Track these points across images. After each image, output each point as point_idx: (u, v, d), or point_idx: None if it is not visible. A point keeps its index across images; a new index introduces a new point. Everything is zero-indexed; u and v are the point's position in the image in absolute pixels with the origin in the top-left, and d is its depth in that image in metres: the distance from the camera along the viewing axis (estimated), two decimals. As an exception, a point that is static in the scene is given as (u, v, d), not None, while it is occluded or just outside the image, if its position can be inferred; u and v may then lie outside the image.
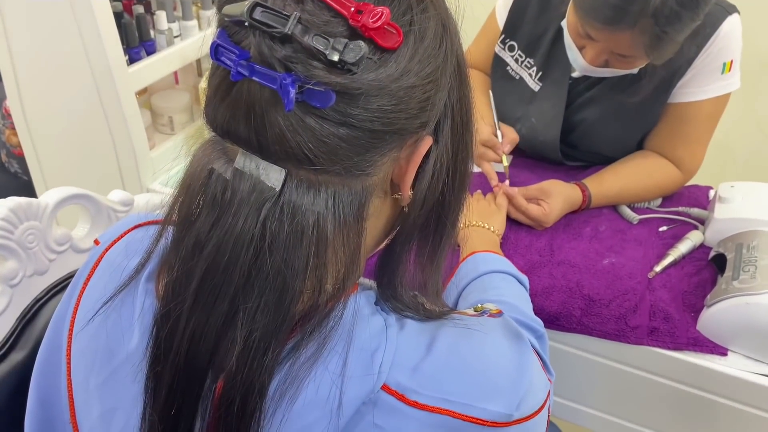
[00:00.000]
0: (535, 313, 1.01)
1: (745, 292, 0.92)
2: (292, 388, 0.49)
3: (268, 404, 0.49)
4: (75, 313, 0.60)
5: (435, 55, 0.48)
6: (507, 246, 1.12)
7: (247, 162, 0.47)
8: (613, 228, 1.17)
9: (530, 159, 1.36)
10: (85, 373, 0.58)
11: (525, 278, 0.98)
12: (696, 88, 1.14)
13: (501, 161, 1.19)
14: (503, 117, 1.31)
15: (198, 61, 1.47)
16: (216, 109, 0.48)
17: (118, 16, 1.17)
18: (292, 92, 0.42)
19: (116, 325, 0.56)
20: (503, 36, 1.29)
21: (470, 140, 0.56)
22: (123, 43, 1.19)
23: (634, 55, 1.02)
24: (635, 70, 1.13)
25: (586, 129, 1.24)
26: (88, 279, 0.61)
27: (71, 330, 0.60)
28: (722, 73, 1.13)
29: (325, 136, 0.45)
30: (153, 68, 1.26)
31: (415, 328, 0.54)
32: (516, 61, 1.29)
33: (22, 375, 0.72)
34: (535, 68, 1.25)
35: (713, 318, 0.95)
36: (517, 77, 1.29)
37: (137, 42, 1.23)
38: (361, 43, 0.43)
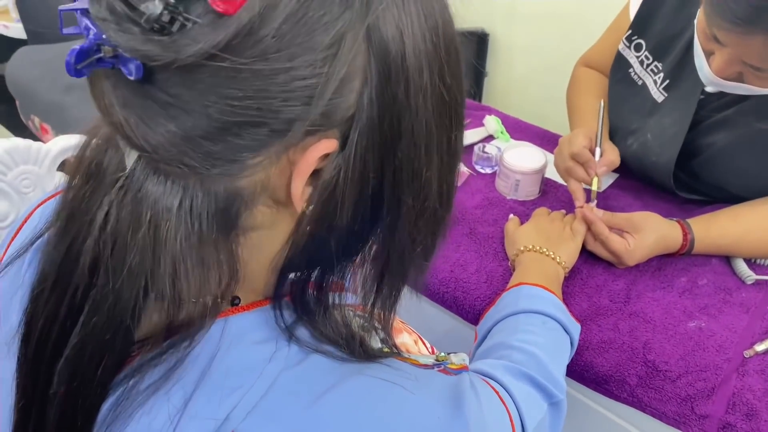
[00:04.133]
0: (582, 371, 0.85)
1: None
2: (123, 415, 0.41)
3: (98, 426, 0.41)
4: None
5: (314, 33, 0.36)
6: (574, 282, 0.94)
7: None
8: (717, 284, 0.94)
9: (639, 182, 1.14)
10: None
11: (576, 328, 0.82)
12: None
13: (590, 183, 1.00)
14: (614, 127, 1.11)
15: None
16: None
17: None
18: (75, 51, 0.35)
19: (5, 295, 0.52)
20: (630, 32, 1.08)
21: (414, 162, 0.42)
22: None
23: (766, 67, 0.79)
24: None
25: (712, 156, 1.00)
26: (15, 234, 0.57)
27: None
28: None
29: (148, 117, 0.36)
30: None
31: (317, 369, 0.44)
32: (641, 63, 1.07)
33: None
34: (662, 74, 1.04)
35: (810, 432, 0.72)
36: (640, 83, 1.08)
37: None
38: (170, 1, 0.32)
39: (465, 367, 0.60)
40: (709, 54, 0.88)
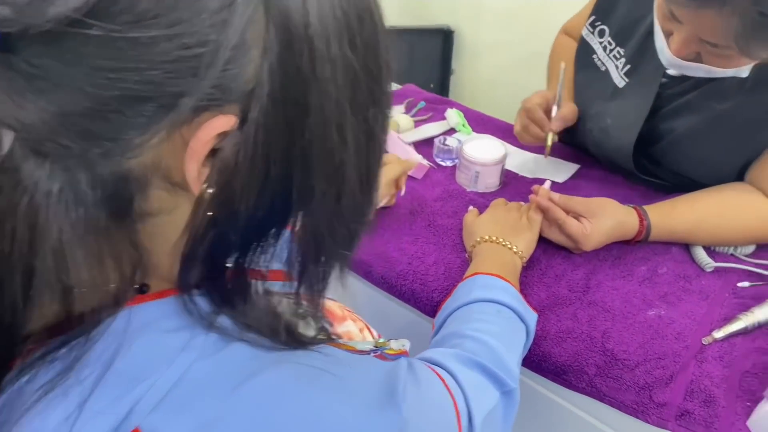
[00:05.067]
0: (540, 361, 0.83)
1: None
2: (16, 415, 0.37)
3: None
4: None
5: None
6: (533, 272, 0.93)
7: None
8: (677, 272, 0.93)
9: (602, 170, 1.13)
10: None
11: (532, 317, 0.80)
12: None
13: (545, 140, 1.01)
14: (579, 112, 1.10)
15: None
16: None
17: None
18: None
19: None
20: (593, 18, 1.08)
21: (321, 142, 0.39)
22: None
23: (723, 43, 0.78)
24: (743, 73, 0.87)
25: (673, 141, 1.00)
26: None
27: None
28: None
29: (15, 91, 0.32)
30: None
31: (237, 357, 0.41)
32: (604, 48, 1.07)
33: None
34: (623, 60, 1.03)
35: None
36: (603, 68, 1.07)
37: None
38: None
39: (404, 352, 0.58)
40: (668, 35, 0.88)
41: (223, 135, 0.37)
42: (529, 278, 0.92)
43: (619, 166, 1.08)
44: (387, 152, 0.49)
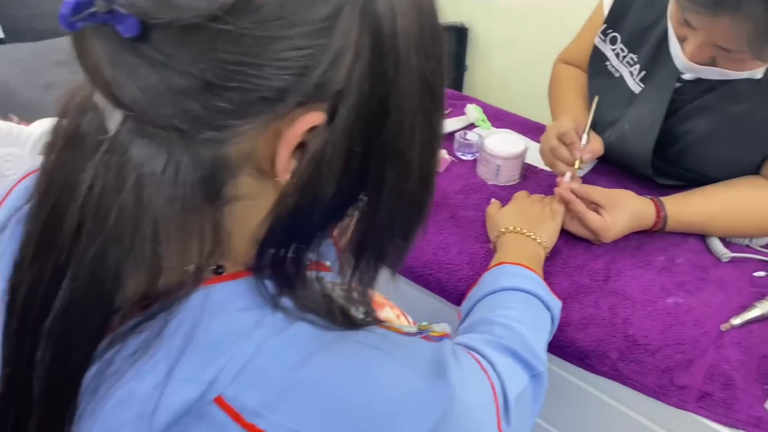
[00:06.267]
0: (564, 346, 0.86)
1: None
2: (109, 380, 0.41)
3: (82, 394, 0.41)
4: None
5: (314, 3, 0.37)
6: (555, 262, 0.96)
7: (100, 96, 0.39)
8: (694, 262, 0.96)
9: (617, 168, 1.16)
10: None
11: (557, 304, 0.83)
12: None
13: (573, 165, 1.02)
14: (594, 119, 1.13)
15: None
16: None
17: None
18: (70, 4, 0.33)
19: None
20: (605, 26, 1.10)
21: (400, 139, 0.43)
22: None
23: (737, 48, 0.81)
24: (757, 75, 0.91)
25: (690, 143, 1.03)
26: None
27: None
28: None
29: (140, 77, 0.36)
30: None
31: (301, 336, 0.44)
32: (617, 55, 1.09)
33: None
34: (638, 66, 1.06)
35: (784, 398, 0.74)
36: (617, 75, 1.10)
37: None
38: None
39: (446, 334, 0.61)
40: (682, 40, 0.90)
41: (312, 129, 0.40)
42: (551, 268, 0.95)
43: (634, 169, 1.11)
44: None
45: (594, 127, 1.13)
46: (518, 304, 0.79)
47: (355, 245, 0.49)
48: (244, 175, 0.42)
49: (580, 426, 0.95)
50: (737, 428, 0.77)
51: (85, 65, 0.38)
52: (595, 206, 0.97)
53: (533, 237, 0.92)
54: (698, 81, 0.99)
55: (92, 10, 0.34)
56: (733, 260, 0.97)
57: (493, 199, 1.05)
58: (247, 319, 0.44)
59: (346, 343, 0.46)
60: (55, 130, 0.43)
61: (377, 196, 0.46)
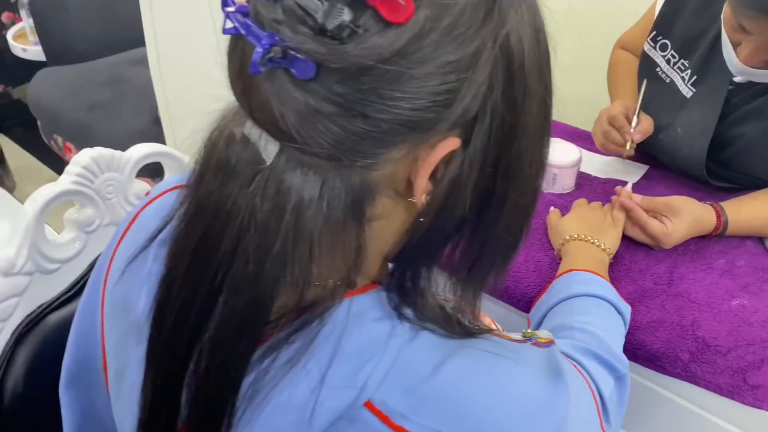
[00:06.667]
0: (635, 349, 0.89)
1: None
2: (266, 387, 0.45)
3: (240, 401, 0.45)
4: (109, 266, 0.60)
5: (463, 40, 0.40)
6: (618, 267, 0.99)
7: (252, 129, 0.43)
8: (755, 265, 0.99)
9: (669, 172, 1.19)
10: (110, 328, 0.59)
11: (627, 308, 0.86)
12: None
13: (624, 147, 1.08)
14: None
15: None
16: (229, 68, 0.45)
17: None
18: (260, 53, 0.37)
19: (131, 287, 0.56)
20: (654, 33, 1.14)
21: (523, 158, 0.47)
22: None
23: None
24: None
25: (743, 146, 1.05)
26: (123, 234, 0.61)
27: (105, 282, 0.60)
28: None
29: (309, 113, 0.39)
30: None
31: (428, 344, 0.48)
32: (668, 62, 1.13)
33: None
34: (689, 71, 1.09)
35: None
36: (668, 80, 1.13)
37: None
38: (346, 8, 0.36)
39: (552, 341, 0.64)
40: (736, 45, 0.94)
41: (450, 154, 0.44)
42: (615, 273, 0.98)
43: (688, 172, 1.13)
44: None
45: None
46: (593, 309, 0.82)
47: (467, 259, 0.53)
48: (383, 197, 0.46)
49: (653, 428, 0.97)
50: (813, 425, 0.79)
51: (249, 102, 0.42)
52: (654, 213, 1.00)
53: (597, 244, 0.95)
54: (749, 84, 1.02)
55: (270, 55, 0.38)
56: (792, 261, 0.99)
57: (552, 207, 1.09)
58: (382, 329, 0.47)
59: (468, 350, 0.49)
60: (205, 161, 0.47)
61: (497, 213, 0.49)
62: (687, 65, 1.09)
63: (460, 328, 0.51)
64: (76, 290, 0.76)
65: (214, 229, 0.45)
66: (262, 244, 0.43)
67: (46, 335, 0.74)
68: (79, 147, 2.19)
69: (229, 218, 0.44)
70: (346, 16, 0.37)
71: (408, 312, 0.49)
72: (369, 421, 0.44)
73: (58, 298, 0.75)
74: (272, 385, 0.45)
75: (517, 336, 0.62)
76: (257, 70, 0.38)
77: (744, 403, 0.82)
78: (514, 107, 0.44)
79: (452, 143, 0.44)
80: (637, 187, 1.16)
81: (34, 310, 0.73)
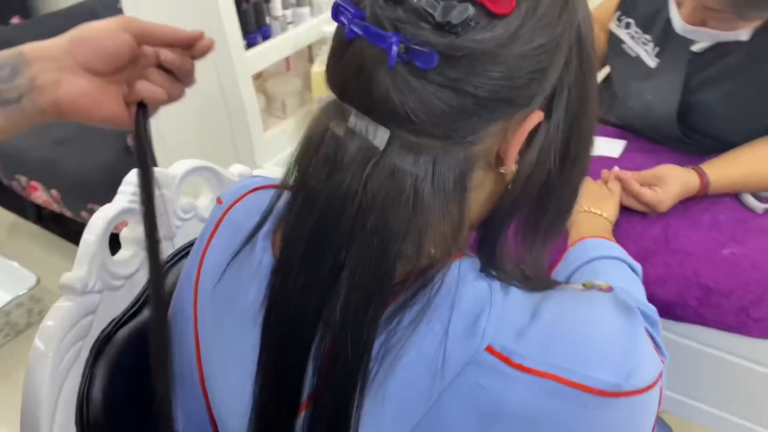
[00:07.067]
0: (648, 302, 0.98)
1: None
2: (396, 347, 0.50)
3: (372, 362, 0.50)
4: (200, 268, 0.64)
5: (551, 26, 0.48)
6: (619, 233, 1.08)
7: (357, 122, 0.49)
8: (735, 217, 1.10)
9: (645, 143, 1.31)
10: (209, 325, 0.63)
11: (638, 266, 0.95)
12: None
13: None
14: (617, 95, 1.27)
15: (309, 47, 1.52)
16: (334, 69, 0.51)
17: (237, 3, 1.23)
18: (394, 50, 0.44)
19: (236, 281, 0.60)
20: (619, 13, 1.26)
21: (587, 123, 0.54)
22: (242, 29, 1.25)
23: (721, 9, 0.97)
24: (742, 36, 1.07)
25: (705, 110, 1.18)
26: (211, 236, 0.65)
27: (197, 283, 0.64)
28: None
29: (427, 98, 0.46)
30: (269, 53, 1.32)
31: (519, 296, 0.54)
32: (632, 38, 1.25)
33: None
34: (652, 44, 1.21)
35: None
36: (634, 54, 1.25)
37: (254, 28, 1.28)
38: (468, 5, 0.43)
39: (611, 288, 0.72)
40: (679, 5, 1.07)
41: (537, 126, 0.51)
42: (617, 239, 1.06)
43: (664, 134, 1.25)
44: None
45: (618, 102, 1.28)
46: (612, 269, 0.91)
47: (537, 223, 0.60)
48: (478, 170, 0.52)
49: (672, 373, 1.07)
50: (812, 346, 0.90)
51: (365, 97, 0.48)
52: (644, 184, 1.10)
53: (600, 213, 1.05)
54: (708, 53, 1.14)
55: (396, 50, 0.45)
56: (766, 211, 1.11)
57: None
58: (482, 287, 0.54)
59: (553, 298, 0.56)
60: (307, 157, 0.53)
61: (569, 176, 0.56)
62: (650, 39, 1.22)
63: (538, 283, 0.58)
64: (140, 304, 0.80)
65: (331, 214, 0.50)
66: (383, 222, 0.49)
67: (119, 349, 0.77)
68: (47, 185, 2.16)
69: (345, 203, 0.49)
70: (463, 12, 0.44)
71: (490, 275, 0.56)
72: (492, 362, 0.50)
73: (126, 312, 0.79)
74: (401, 344, 0.51)
75: (580, 287, 0.69)
76: (393, 65, 0.44)
77: (750, 336, 0.93)
78: (583, 82, 0.52)
79: (538, 116, 0.51)
80: (620, 162, 1.26)
81: (107, 326, 0.76)
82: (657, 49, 1.21)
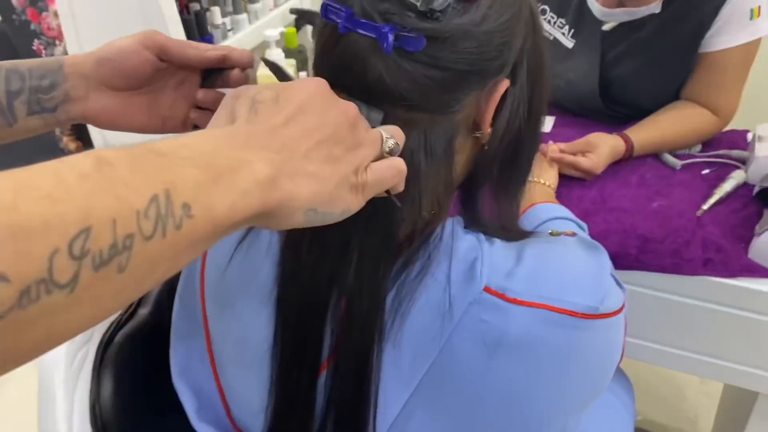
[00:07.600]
0: (595, 255, 1.09)
1: (793, 218, 0.98)
2: (406, 298, 0.57)
3: (387, 315, 0.57)
4: (204, 257, 0.69)
5: (510, 4, 0.56)
6: (560, 199, 1.19)
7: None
8: (659, 174, 1.24)
9: (572, 118, 1.43)
10: (219, 308, 0.68)
11: (584, 224, 1.05)
12: (726, 36, 1.20)
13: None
14: None
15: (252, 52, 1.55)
16: (324, 61, 0.57)
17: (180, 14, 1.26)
18: (390, 38, 0.50)
19: (246, 261, 0.65)
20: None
21: (543, 84, 0.63)
22: (186, 38, 1.28)
23: None
24: (655, 9, 1.20)
25: (623, 83, 1.31)
26: None
27: (203, 270, 0.69)
28: (751, 18, 1.19)
29: (417, 77, 0.53)
30: (212, 61, 1.35)
31: (502, 245, 0.62)
32: (549, 23, 1.36)
33: (148, 328, 0.82)
34: (567, 27, 1.33)
35: (765, 244, 1.02)
36: (551, 38, 1.36)
37: (197, 37, 1.31)
38: None
39: (574, 233, 0.81)
40: None
41: (505, 92, 0.59)
42: (560, 203, 1.18)
43: (589, 108, 1.38)
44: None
45: None
46: (563, 226, 1.01)
47: (507, 177, 0.68)
48: (460, 136, 0.60)
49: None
50: (736, 276, 1.03)
51: (360, 83, 0.55)
52: (577, 152, 1.21)
53: (542, 182, 1.15)
54: (618, 30, 1.27)
55: (391, 38, 0.52)
56: (684, 167, 1.25)
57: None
58: (471, 239, 0.61)
59: (531, 243, 0.64)
60: None
61: (532, 133, 0.65)
62: (564, 22, 1.33)
63: (515, 234, 0.67)
64: (135, 304, 0.83)
65: None
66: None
67: (122, 349, 0.80)
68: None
69: None
70: (442, 0, 0.51)
71: (473, 230, 0.64)
72: (491, 300, 0.58)
73: (123, 314, 0.82)
74: (410, 295, 0.58)
75: (548, 235, 0.78)
76: (390, 51, 0.51)
77: (685, 274, 1.05)
78: (538, 52, 0.61)
79: (505, 83, 0.59)
80: (553, 136, 1.38)
81: (108, 328, 0.79)
82: (572, 30, 1.33)
